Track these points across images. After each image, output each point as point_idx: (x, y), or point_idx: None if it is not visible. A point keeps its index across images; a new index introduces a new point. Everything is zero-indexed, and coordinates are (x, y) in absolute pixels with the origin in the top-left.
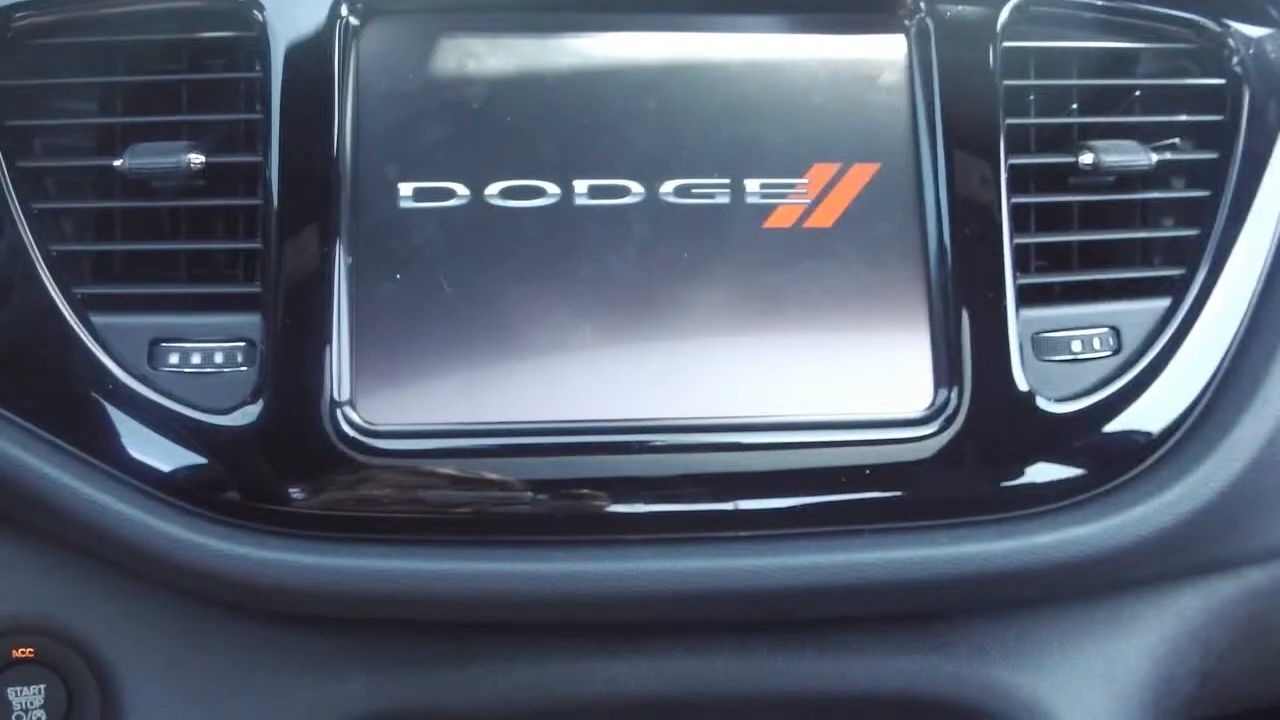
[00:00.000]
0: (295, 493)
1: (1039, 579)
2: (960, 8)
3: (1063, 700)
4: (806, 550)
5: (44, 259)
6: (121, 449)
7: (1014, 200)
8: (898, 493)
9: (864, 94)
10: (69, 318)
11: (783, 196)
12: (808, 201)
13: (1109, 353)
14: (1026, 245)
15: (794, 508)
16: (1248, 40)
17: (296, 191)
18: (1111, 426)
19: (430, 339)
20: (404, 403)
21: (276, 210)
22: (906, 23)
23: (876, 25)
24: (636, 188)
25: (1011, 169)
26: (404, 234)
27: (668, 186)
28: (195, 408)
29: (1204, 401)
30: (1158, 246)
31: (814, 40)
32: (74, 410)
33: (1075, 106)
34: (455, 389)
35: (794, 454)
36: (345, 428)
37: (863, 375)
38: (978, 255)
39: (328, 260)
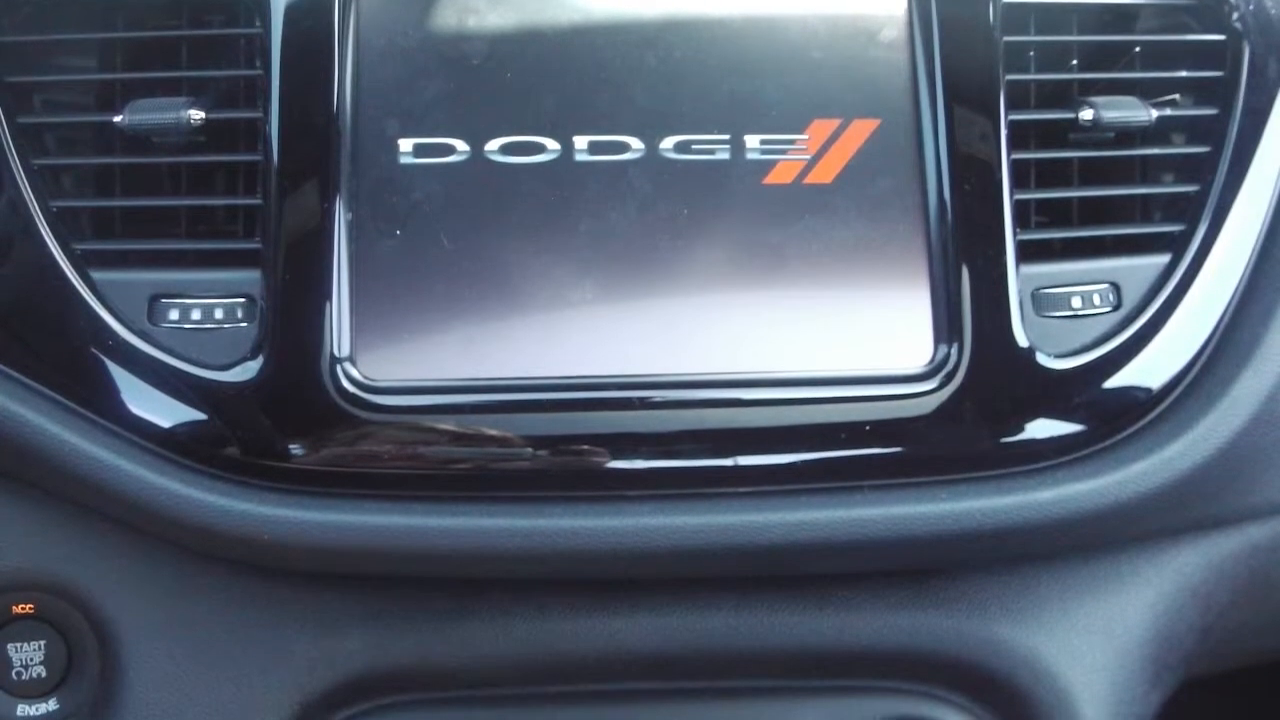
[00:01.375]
0: (295, 449)
1: (1039, 535)
2: None
3: (1063, 656)
4: (807, 506)
5: (44, 215)
6: (121, 405)
7: (1014, 156)
8: (898, 449)
9: (864, 49)
10: (69, 274)
11: (783, 152)
12: (808, 157)
13: (1109, 309)
14: (1026, 201)
15: (794, 463)
16: None
17: (296, 147)
18: (1111, 382)
19: (430, 295)
20: (404, 359)
21: (276, 166)
22: None
23: None
24: (636, 144)
25: (1011, 125)
26: (404, 190)
27: (668, 143)
28: (195, 364)
29: (1204, 357)
30: (1158, 202)
31: None
32: (74, 366)
33: (1075, 62)
34: (455, 345)
35: (794, 410)
36: (345, 384)
37: (863, 331)
38: (978, 211)
39: (328, 216)
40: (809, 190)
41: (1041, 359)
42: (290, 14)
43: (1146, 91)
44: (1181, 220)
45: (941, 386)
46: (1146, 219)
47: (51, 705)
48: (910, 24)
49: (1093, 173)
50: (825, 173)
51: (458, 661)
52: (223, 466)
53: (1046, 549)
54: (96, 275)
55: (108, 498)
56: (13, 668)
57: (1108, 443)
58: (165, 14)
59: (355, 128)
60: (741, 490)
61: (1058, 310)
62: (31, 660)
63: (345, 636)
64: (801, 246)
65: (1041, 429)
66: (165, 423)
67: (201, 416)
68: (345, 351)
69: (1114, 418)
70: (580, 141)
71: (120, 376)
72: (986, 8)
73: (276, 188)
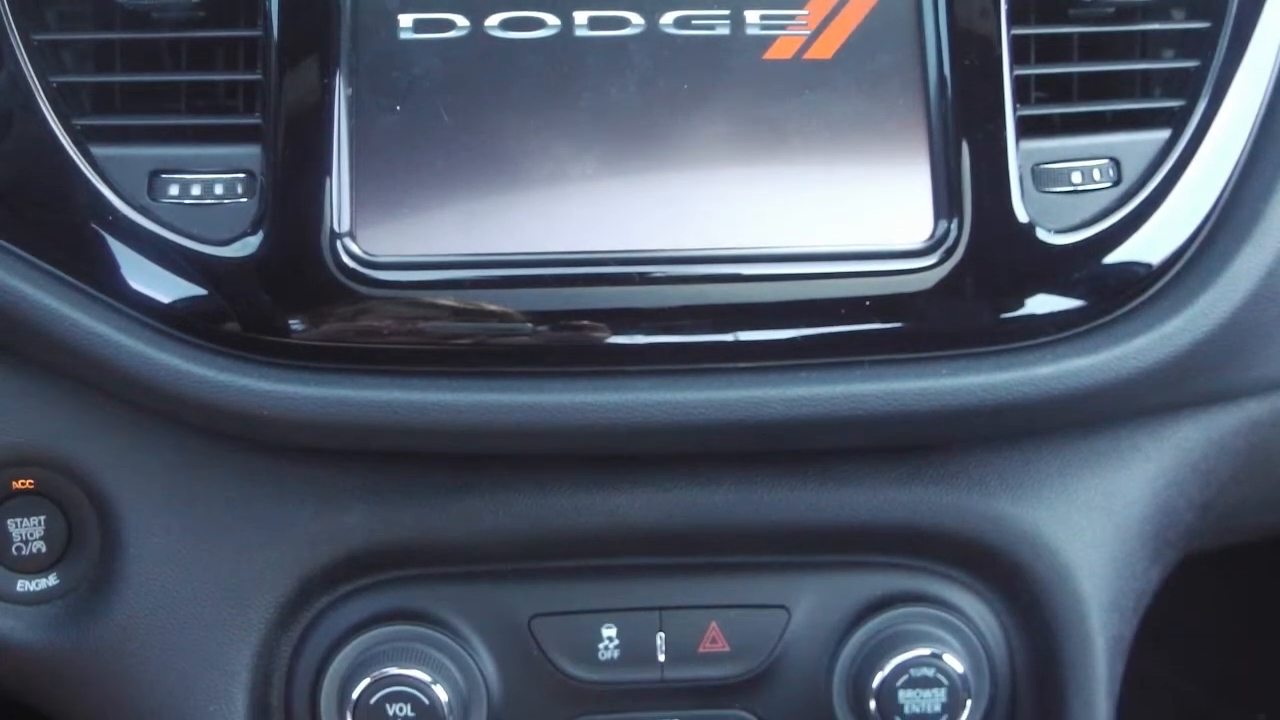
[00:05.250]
0: (295, 324)
1: (1038, 410)
2: None
3: (1062, 531)
4: (807, 381)
5: (43, 90)
6: (121, 280)
7: (1014, 31)
8: (898, 324)
9: None
10: (68, 149)
11: (782, 27)
12: (808, 33)
13: (1109, 184)
14: (1027, 76)
15: (794, 339)
16: None
17: (296, 22)
18: (1111, 258)
19: (430, 171)
20: (404, 234)
21: (276, 41)
22: None
23: None
24: (636, 19)
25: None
26: (404, 65)
27: (667, 18)
28: (195, 239)
29: (1204, 232)
30: (1158, 78)
31: None
32: (74, 241)
33: None
34: (455, 221)
35: (794, 285)
36: (345, 259)
37: (863, 207)
38: (978, 86)
39: (328, 91)
40: (809, 66)
41: (1041, 234)
42: None
43: None
44: (1181, 95)
45: (941, 262)
46: (1146, 94)
47: (51, 580)
48: None
49: (1093, 48)
50: (825, 48)
51: (457, 537)
52: (222, 342)
53: (1046, 424)
54: (96, 150)
55: (107, 373)
56: (13, 543)
57: (1108, 318)
58: None
59: (355, 2)
60: (741, 365)
61: (1058, 185)
62: (31, 535)
63: (345, 511)
64: (801, 122)
65: (1041, 304)
66: (165, 298)
67: (201, 291)
68: (345, 227)
69: (1114, 293)
70: (580, 17)
71: (120, 252)
72: None
73: (276, 63)
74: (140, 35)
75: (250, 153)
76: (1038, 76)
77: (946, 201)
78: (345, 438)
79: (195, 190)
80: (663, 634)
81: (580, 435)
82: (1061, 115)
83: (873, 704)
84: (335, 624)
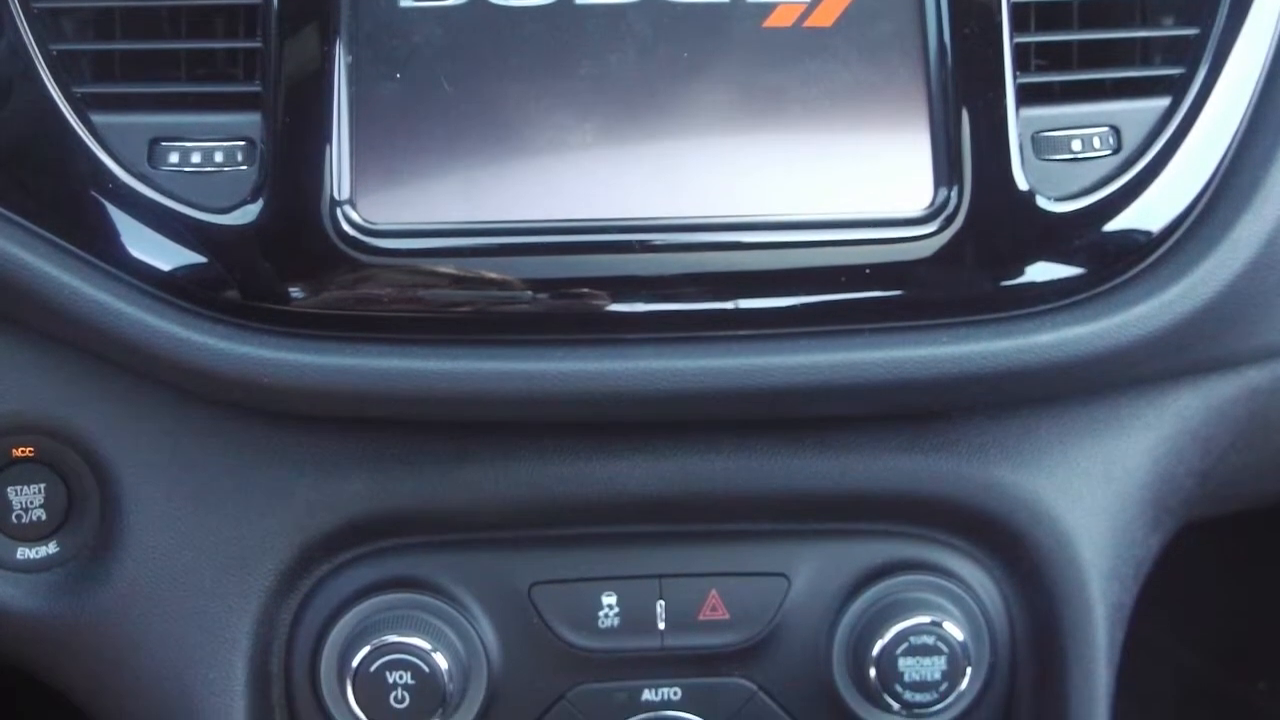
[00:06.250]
0: (295, 292)
1: (1039, 378)
2: None
3: (1062, 498)
4: (806, 349)
5: (44, 58)
6: (122, 248)
7: None
8: (898, 292)
9: None
10: (69, 117)
11: None
12: (807, 0)
13: (1109, 152)
14: (1026, 44)
15: (794, 307)
16: None
17: None
18: (1111, 225)
19: (430, 139)
20: (404, 202)
21: (276, 9)
22: None
23: None
24: None
25: None
26: (404, 33)
27: None
28: (195, 206)
29: (1204, 200)
30: (1158, 45)
31: None
32: (74, 209)
33: None
34: (455, 188)
35: (794, 253)
36: (345, 227)
37: (863, 175)
38: (978, 54)
39: (328, 59)
40: (808, 34)
41: (1041, 202)
42: None
43: None
44: (1182, 63)
45: (942, 229)
46: (1146, 62)
47: (52, 548)
48: None
49: (1093, 15)
50: (825, 16)
51: (458, 504)
52: (223, 310)
53: (1046, 392)
54: (96, 118)
55: (107, 341)
56: (13, 511)
57: (1107, 286)
58: None
59: None
60: (742, 333)
61: (1058, 153)
62: (32, 503)
63: (346, 479)
64: (801, 90)
65: (1041, 272)
66: (165, 266)
67: (201, 259)
68: (345, 195)
69: (1114, 261)
70: None
71: (120, 219)
72: None
73: (277, 30)
74: (140, 3)
75: (250, 120)
76: (1038, 44)
77: (946, 169)
78: (345, 406)
79: (195, 158)
80: (663, 602)
81: (580, 403)
82: (1061, 83)
83: (872, 671)
84: (335, 592)
